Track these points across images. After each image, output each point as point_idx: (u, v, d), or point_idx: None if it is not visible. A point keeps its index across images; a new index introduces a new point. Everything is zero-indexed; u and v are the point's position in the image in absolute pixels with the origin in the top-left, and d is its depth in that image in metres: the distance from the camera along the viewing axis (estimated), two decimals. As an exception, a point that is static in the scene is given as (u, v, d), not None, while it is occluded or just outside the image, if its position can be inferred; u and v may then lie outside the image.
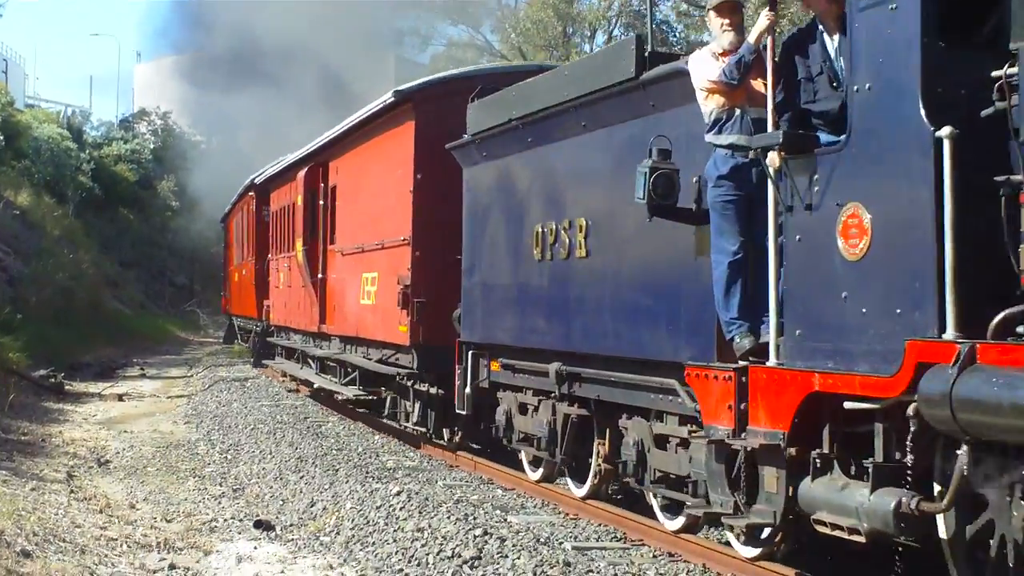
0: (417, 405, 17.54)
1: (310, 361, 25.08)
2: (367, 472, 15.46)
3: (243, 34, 58.69)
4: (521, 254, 13.57)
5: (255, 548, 11.53)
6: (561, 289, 12.65)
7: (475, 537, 10.87)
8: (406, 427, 18.25)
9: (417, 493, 13.22)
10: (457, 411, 15.48)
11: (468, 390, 15.00)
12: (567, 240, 12.31)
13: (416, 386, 17.27)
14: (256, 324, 33.96)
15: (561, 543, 11.25)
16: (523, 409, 14.08)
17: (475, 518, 11.87)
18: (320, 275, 23.16)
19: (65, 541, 11.07)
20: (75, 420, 22.53)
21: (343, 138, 21.65)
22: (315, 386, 24.16)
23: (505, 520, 12.19)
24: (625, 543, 11.58)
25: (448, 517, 11.77)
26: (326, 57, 61.05)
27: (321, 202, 23.31)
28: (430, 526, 11.42)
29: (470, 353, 15.00)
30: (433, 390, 16.73)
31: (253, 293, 33.80)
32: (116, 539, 11.57)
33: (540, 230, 13.04)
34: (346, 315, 21.04)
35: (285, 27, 58.16)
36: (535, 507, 13.59)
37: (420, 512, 12.10)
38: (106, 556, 10.87)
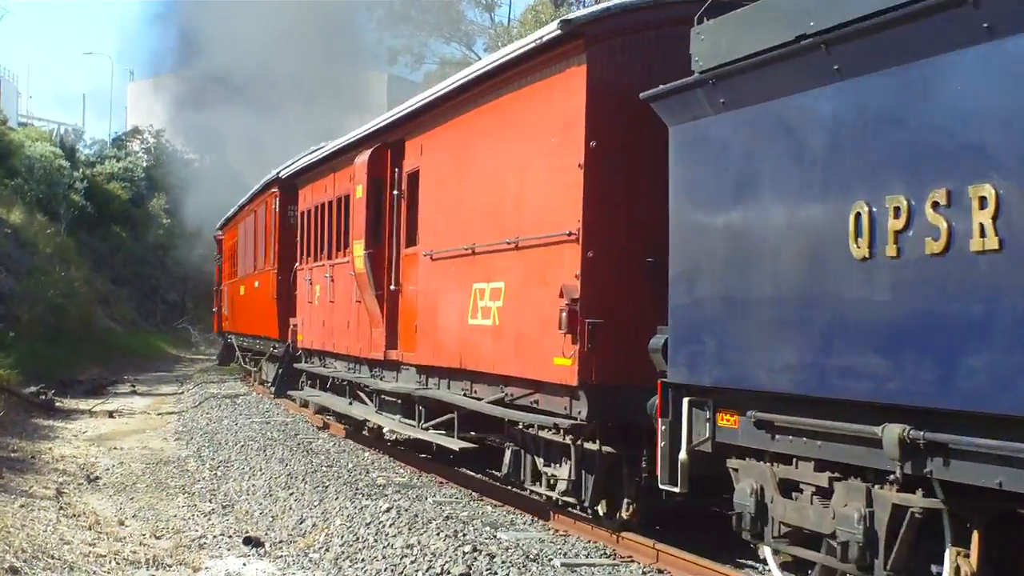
0: (567, 465, 12.59)
1: (364, 395, 19.58)
2: (357, 489, 15.44)
3: (232, 54, 58.82)
4: (818, 251, 8.45)
5: (244, 565, 11.51)
6: (922, 304, 7.51)
7: (464, 554, 10.86)
8: (543, 495, 13.39)
9: (407, 510, 13.20)
10: (660, 486, 10.32)
11: (684, 455, 9.99)
12: (944, 224, 7.23)
13: (582, 443, 12.22)
14: (274, 346, 28.97)
15: (550, 560, 11.26)
16: (788, 490, 9.21)
17: (465, 535, 11.86)
18: (393, 286, 17.81)
19: (54, 558, 11.04)
20: (65, 437, 22.49)
21: (434, 107, 16.28)
22: (373, 426, 20.13)
23: (495, 537, 12.19)
24: (615, 560, 11.57)
25: (438, 534, 11.76)
26: (317, 76, 61.25)
27: (394, 192, 17.77)
28: (419, 543, 11.41)
29: (686, 401, 10.03)
30: (597, 446, 12.12)
31: (272, 309, 28.34)
32: (105, 556, 11.54)
33: (867, 211, 7.91)
34: (437, 339, 15.67)
35: (275, 47, 58.30)
36: (525, 524, 13.57)
37: (410, 529, 12.09)
38: (95, 573, 10.85)
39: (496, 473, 15.31)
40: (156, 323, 63.19)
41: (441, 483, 16.51)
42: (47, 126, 71.01)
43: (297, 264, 25.26)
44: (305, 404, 24.83)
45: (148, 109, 76.82)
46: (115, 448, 20.88)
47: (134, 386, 35.68)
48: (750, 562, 10.98)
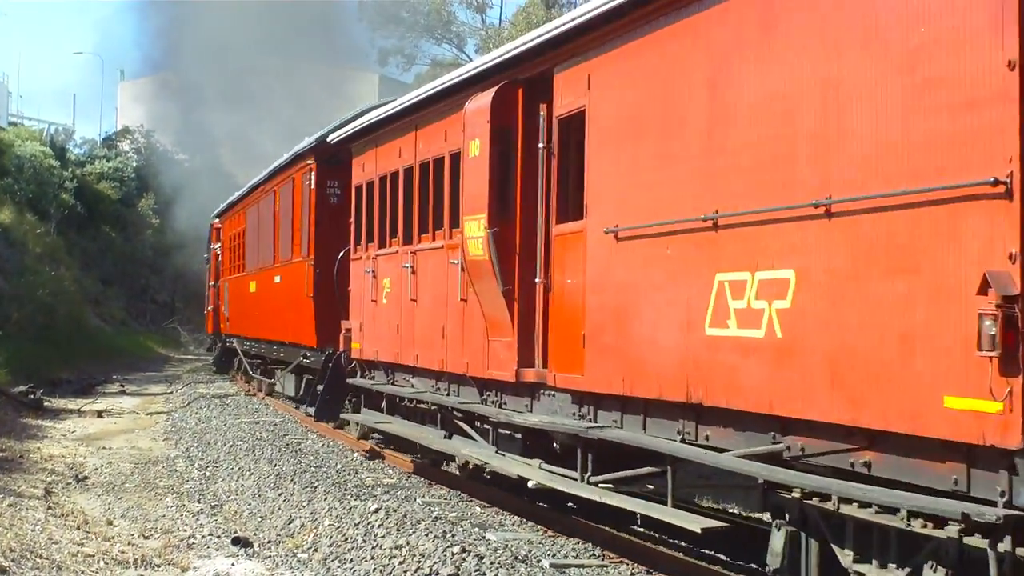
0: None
1: (463, 424, 14.90)
2: (346, 489, 15.44)
3: (220, 55, 58.86)
4: None
5: (233, 565, 11.50)
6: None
7: (453, 554, 10.86)
8: None
9: (396, 510, 13.20)
10: None
11: None
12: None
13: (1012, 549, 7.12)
14: (305, 354, 23.79)
15: (539, 560, 11.25)
16: None
17: (453, 535, 11.86)
18: (537, 279, 12.98)
19: (42, 557, 11.03)
20: (54, 436, 22.45)
21: (617, 16, 11.14)
22: (522, 480, 12.83)
23: (483, 537, 12.19)
24: (603, 560, 11.57)
25: (426, 534, 11.76)
26: (308, 77, 61.32)
27: (538, 145, 12.89)
28: (408, 543, 11.40)
29: None
30: None
31: (305, 309, 23.02)
32: (93, 555, 11.52)
33: None
34: (629, 356, 10.92)
35: (264, 48, 58.36)
36: (514, 524, 13.57)
37: (398, 529, 12.09)
38: (83, 572, 10.84)
39: (752, 565, 11.13)
40: (146, 323, 63.14)
41: (430, 484, 16.50)
42: (37, 126, 70.88)
43: (350, 253, 19.94)
44: (367, 435, 19.69)
45: (139, 109, 76.74)
46: (104, 448, 20.85)
47: (123, 386, 35.65)
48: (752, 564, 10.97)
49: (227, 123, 62.86)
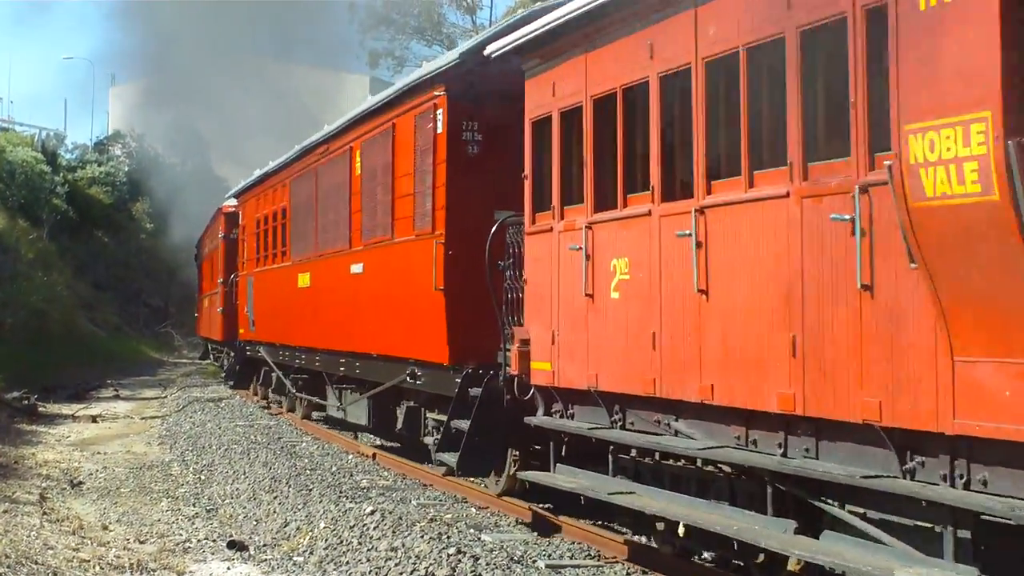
0: None
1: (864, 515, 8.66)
2: (341, 492, 15.44)
3: (210, 57, 58.92)
4: None
5: (228, 568, 11.51)
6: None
7: (448, 556, 10.88)
8: None
9: (391, 512, 13.21)
10: None
11: None
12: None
13: None
14: (417, 375, 16.38)
15: (534, 561, 11.27)
16: None
17: (449, 537, 11.88)
18: None
19: (37, 563, 11.03)
20: (48, 442, 22.45)
21: None
22: None
23: (479, 539, 12.20)
24: (599, 561, 11.59)
25: (422, 536, 11.77)
26: (298, 79, 61.39)
27: None
28: (403, 545, 11.42)
29: None
30: None
31: (431, 310, 15.52)
32: (89, 561, 11.53)
33: None
34: None
35: (255, 49, 58.41)
36: (509, 525, 13.58)
37: (393, 531, 12.10)
38: (78, 577, 10.85)
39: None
40: (139, 327, 63.08)
41: (425, 486, 16.51)
42: (28, 131, 70.80)
43: (530, 224, 12.98)
44: (513, 488, 14.70)
45: (130, 113, 76.72)
46: (98, 453, 20.85)
47: (117, 390, 35.65)
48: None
49: (216, 126, 62.90)
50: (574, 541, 12.39)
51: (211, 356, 44.71)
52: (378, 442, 21.13)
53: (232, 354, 34.14)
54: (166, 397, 33.28)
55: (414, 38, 56.24)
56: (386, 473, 17.74)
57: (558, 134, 12.31)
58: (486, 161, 15.13)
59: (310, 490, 15.48)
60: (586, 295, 11.55)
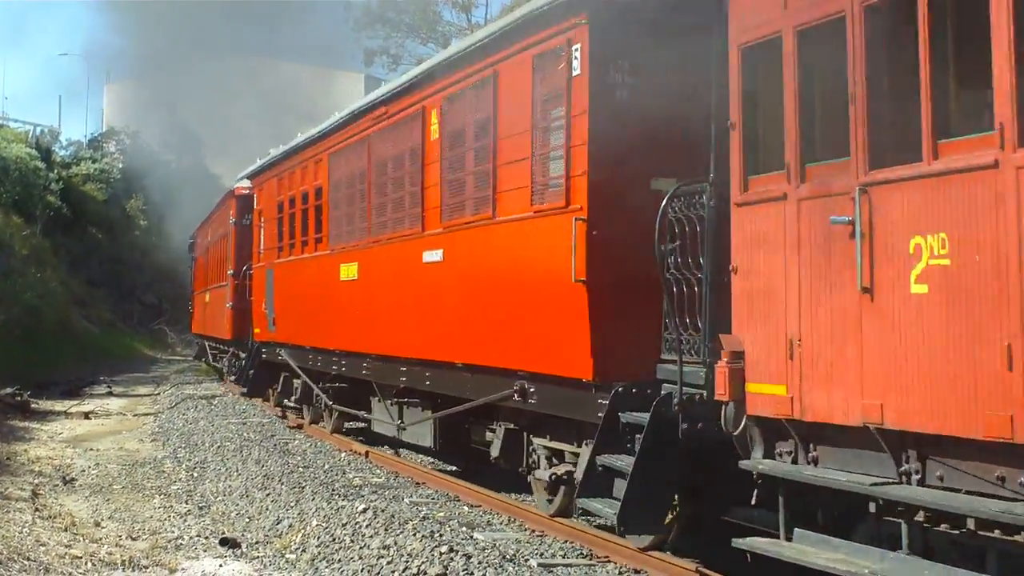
0: None
1: None
2: (333, 489, 15.42)
3: (203, 54, 58.87)
4: None
5: (221, 566, 11.49)
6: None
7: (441, 554, 10.85)
8: None
9: (383, 510, 13.19)
10: None
11: None
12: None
13: None
14: (526, 390, 13.01)
15: (527, 560, 11.25)
16: None
17: (441, 535, 11.86)
18: None
19: (29, 559, 11.01)
20: (41, 438, 22.43)
21: None
22: None
23: (471, 537, 12.19)
24: (591, 560, 11.59)
25: (414, 534, 11.75)
26: (292, 77, 61.37)
27: None
28: (396, 543, 11.40)
29: None
30: None
31: (566, 307, 11.93)
32: (81, 557, 11.51)
33: None
34: None
35: (249, 46, 58.39)
36: (501, 524, 13.58)
37: (386, 529, 12.08)
38: (71, 574, 10.83)
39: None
40: (132, 324, 63.06)
41: (418, 484, 16.50)
42: (23, 127, 70.74)
43: (740, 192, 9.59)
44: None
45: (125, 110, 76.69)
46: (91, 449, 20.83)
47: (110, 387, 35.64)
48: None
49: (210, 124, 62.89)
50: (566, 540, 12.39)
51: (209, 356, 40.93)
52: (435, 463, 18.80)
53: (241, 355, 30.54)
54: (159, 394, 33.25)
55: (409, 36, 56.22)
56: (379, 471, 17.73)
57: (794, 61, 8.82)
58: (639, 112, 11.25)
59: (303, 488, 15.46)
60: (861, 289, 8.09)
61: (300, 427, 23.24)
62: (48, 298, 43.81)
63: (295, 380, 23.56)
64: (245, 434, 21.98)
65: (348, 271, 19.07)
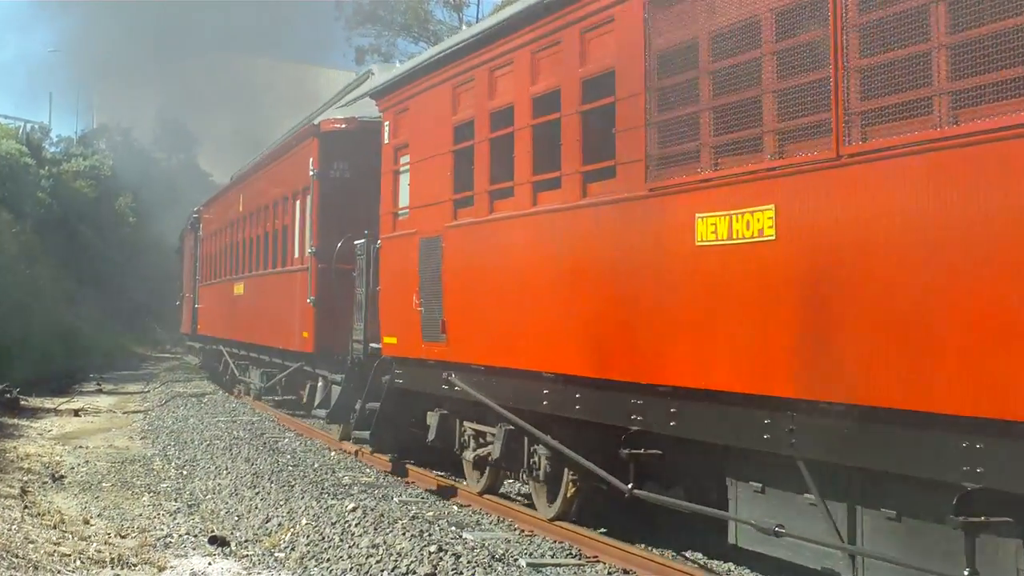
0: None
1: None
2: (323, 488, 15.42)
3: (195, 51, 58.80)
4: None
5: (210, 564, 11.49)
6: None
7: (430, 554, 10.86)
8: None
9: (372, 509, 13.20)
10: None
11: None
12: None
13: None
14: None
15: (516, 559, 11.27)
16: None
17: (430, 534, 11.87)
18: None
19: (18, 557, 10.99)
20: (30, 435, 22.39)
21: None
22: None
23: (460, 536, 12.19)
24: (580, 560, 11.60)
25: (403, 534, 11.76)
26: (284, 74, 61.30)
27: None
28: (385, 542, 11.41)
29: None
30: None
31: None
32: (69, 555, 11.50)
33: None
34: None
35: (241, 44, 58.26)
36: (491, 523, 13.59)
37: (375, 528, 12.09)
38: (59, 572, 10.81)
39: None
40: (122, 321, 62.93)
41: (407, 483, 16.50)
42: (12, 124, 70.58)
43: None
44: None
45: (115, 107, 76.54)
46: (80, 447, 20.80)
47: (100, 384, 35.61)
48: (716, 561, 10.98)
49: (203, 121, 62.83)
50: (556, 540, 12.40)
51: (233, 370, 31.18)
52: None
53: (331, 378, 20.92)
54: (148, 392, 33.24)
55: (400, 35, 56.24)
56: (368, 470, 17.73)
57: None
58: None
59: (292, 486, 15.46)
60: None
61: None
62: (38, 295, 43.71)
63: (490, 431, 14.24)
64: (235, 432, 21.99)
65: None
